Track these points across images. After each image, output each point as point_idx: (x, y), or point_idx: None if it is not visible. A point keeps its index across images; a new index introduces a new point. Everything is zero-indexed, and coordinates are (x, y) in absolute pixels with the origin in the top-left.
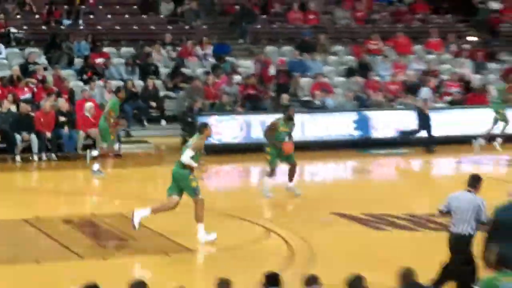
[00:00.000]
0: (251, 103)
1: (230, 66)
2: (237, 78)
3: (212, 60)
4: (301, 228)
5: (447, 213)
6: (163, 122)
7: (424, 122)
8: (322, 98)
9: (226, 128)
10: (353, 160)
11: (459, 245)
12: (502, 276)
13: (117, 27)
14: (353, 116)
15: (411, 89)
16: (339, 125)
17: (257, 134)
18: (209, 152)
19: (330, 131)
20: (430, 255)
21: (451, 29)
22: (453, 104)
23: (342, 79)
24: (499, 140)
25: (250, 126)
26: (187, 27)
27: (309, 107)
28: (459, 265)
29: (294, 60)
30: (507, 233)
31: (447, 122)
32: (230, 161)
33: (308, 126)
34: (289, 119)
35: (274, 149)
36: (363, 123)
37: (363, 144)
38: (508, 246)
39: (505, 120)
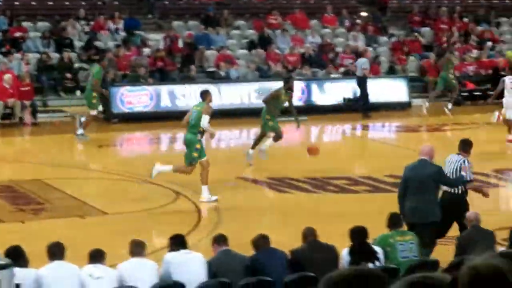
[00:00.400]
0: (160, 75)
1: (140, 39)
2: (146, 51)
3: (123, 34)
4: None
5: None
6: (78, 92)
7: (363, 90)
8: (226, 70)
9: (137, 97)
10: (256, 128)
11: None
12: (397, 235)
13: (33, 3)
14: (255, 86)
15: (308, 60)
16: (243, 94)
17: (166, 103)
18: (122, 120)
19: (234, 100)
20: (328, 215)
21: (345, 5)
22: (347, 74)
23: (244, 51)
24: (450, 106)
25: (160, 96)
26: (99, 2)
27: (214, 77)
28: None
29: (200, 34)
30: (414, 188)
31: (342, 90)
32: (142, 129)
33: (214, 96)
34: (289, 89)
35: (272, 115)
36: (264, 93)
37: None
38: (416, 199)
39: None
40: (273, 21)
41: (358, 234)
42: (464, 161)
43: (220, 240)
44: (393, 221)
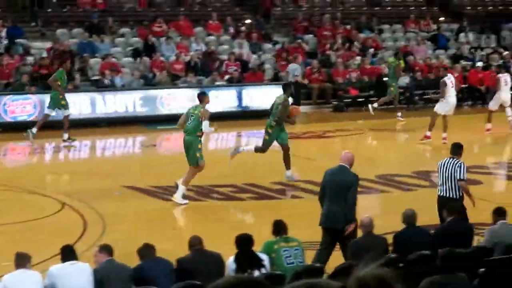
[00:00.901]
0: (44, 83)
1: (23, 47)
2: (30, 59)
3: (5, 42)
4: (94, 202)
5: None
6: None
7: (296, 95)
8: (111, 78)
9: (20, 106)
10: (141, 136)
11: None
12: (282, 241)
13: None
14: (140, 94)
15: (193, 68)
16: (128, 102)
17: None
18: (5, 129)
19: (119, 108)
20: (214, 223)
21: (229, 12)
22: (232, 82)
23: (129, 59)
24: (375, 105)
25: (43, 104)
26: None
27: (99, 86)
28: None
29: (84, 42)
30: (330, 193)
31: (227, 98)
32: (24, 138)
33: (98, 104)
34: (291, 96)
35: (278, 128)
36: (149, 101)
37: (150, 120)
38: (332, 205)
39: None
40: (157, 29)
41: (244, 242)
42: (461, 164)
43: (104, 249)
44: (278, 228)
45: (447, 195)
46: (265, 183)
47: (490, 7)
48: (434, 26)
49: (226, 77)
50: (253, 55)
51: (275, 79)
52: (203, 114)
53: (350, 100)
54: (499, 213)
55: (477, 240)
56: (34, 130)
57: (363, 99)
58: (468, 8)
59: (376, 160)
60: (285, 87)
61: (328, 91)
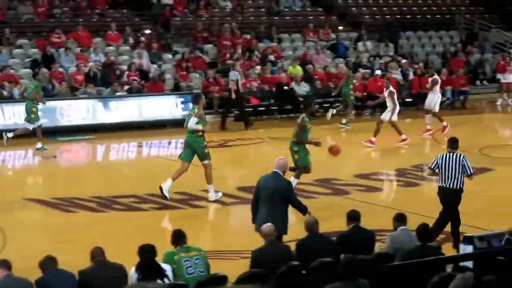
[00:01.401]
0: None
1: None
2: None
3: None
4: None
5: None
6: None
7: (239, 101)
8: (9, 89)
9: None
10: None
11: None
12: (182, 251)
13: None
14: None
15: (93, 79)
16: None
17: None
18: None
19: (18, 120)
20: (116, 233)
21: (128, 22)
22: (133, 92)
23: (28, 70)
24: (334, 111)
25: None
26: None
27: None
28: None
29: None
30: (264, 199)
31: (128, 109)
32: None
33: None
34: (312, 115)
35: (303, 148)
36: (49, 112)
37: (50, 132)
38: (265, 211)
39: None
40: (56, 40)
41: (146, 252)
42: (465, 157)
43: (2, 264)
44: (177, 238)
45: (450, 186)
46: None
47: (388, 16)
48: (333, 35)
49: (126, 87)
50: (153, 65)
51: (176, 89)
52: (196, 113)
53: (251, 109)
54: (400, 219)
55: (378, 247)
56: (39, 145)
57: (264, 108)
58: (367, 17)
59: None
60: (306, 105)
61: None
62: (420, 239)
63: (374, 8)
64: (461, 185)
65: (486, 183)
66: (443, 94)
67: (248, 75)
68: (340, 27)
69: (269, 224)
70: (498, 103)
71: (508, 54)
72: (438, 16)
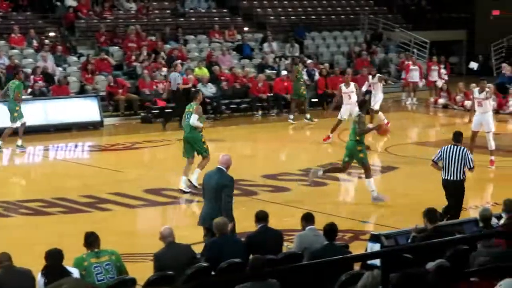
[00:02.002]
0: None
1: None
2: None
3: None
4: None
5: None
6: None
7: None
8: None
9: None
10: None
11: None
12: (91, 257)
13: None
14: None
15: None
16: None
17: None
18: None
19: None
20: (22, 238)
21: (32, 25)
22: (38, 95)
23: None
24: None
25: None
26: None
27: None
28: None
29: None
30: (208, 194)
31: (33, 112)
32: None
33: None
34: (367, 113)
35: (364, 146)
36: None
37: None
38: (209, 206)
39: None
40: None
41: (53, 256)
42: (467, 150)
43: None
44: (89, 241)
45: (452, 178)
46: (74, 196)
47: (293, 17)
48: (239, 36)
49: (29, 90)
50: (58, 68)
51: (81, 92)
52: (195, 110)
53: (157, 111)
54: (308, 219)
55: (286, 247)
56: (19, 142)
57: (171, 110)
58: (272, 18)
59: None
60: (361, 104)
61: (135, 102)
62: (327, 238)
63: (279, 9)
64: (463, 177)
65: (392, 182)
66: None
67: (154, 77)
68: (246, 28)
69: (167, 226)
70: (408, 102)
71: (411, 53)
72: (342, 16)
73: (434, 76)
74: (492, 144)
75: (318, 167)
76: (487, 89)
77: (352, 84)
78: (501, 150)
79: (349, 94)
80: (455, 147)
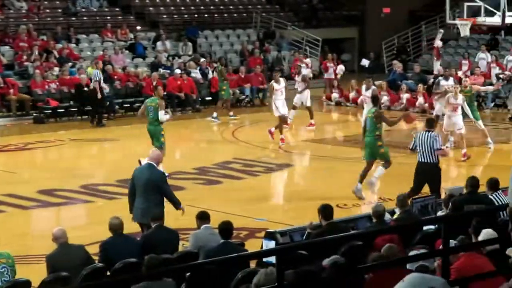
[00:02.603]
0: None
1: None
2: None
3: None
4: None
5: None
6: None
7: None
8: None
9: None
10: None
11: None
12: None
13: None
14: None
15: None
16: None
17: None
18: None
19: None
20: None
21: None
22: None
23: None
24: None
25: None
26: None
27: None
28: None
29: None
30: (139, 190)
31: None
32: None
33: None
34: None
35: (383, 141)
36: None
37: None
38: (141, 201)
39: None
40: None
41: None
42: (436, 135)
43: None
44: None
45: (425, 160)
46: None
47: (186, 16)
48: (131, 35)
49: None
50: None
51: None
52: (160, 105)
53: (50, 111)
54: (202, 217)
55: (182, 245)
56: None
57: (63, 110)
58: (164, 16)
59: (80, 170)
60: (374, 99)
61: (27, 102)
62: (222, 237)
63: (172, 8)
64: (436, 159)
65: (287, 179)
66: (241, 92)
67: (46, 77)
68: (138, 27)
69: (60, 228)
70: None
71: (304, 51)
72: (235, 14)
73: (330, 73)
74: None
75: (212, 165)
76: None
77: (282, 80)
78: (394, 146)
79: (281, 90)
80: (427, 132)
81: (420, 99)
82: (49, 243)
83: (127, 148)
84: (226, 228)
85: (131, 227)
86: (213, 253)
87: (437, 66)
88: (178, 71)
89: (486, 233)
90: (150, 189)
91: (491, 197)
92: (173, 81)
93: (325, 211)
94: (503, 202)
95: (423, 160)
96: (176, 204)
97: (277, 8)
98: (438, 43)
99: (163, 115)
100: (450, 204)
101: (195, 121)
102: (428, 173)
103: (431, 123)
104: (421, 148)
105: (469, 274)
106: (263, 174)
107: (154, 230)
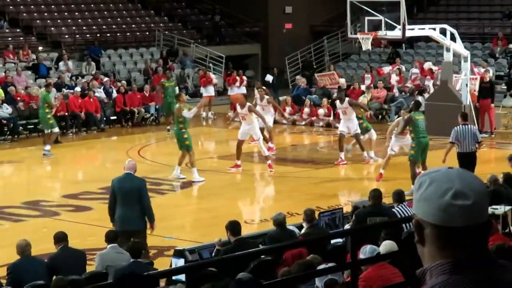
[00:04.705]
0: None
1: None
2: None
3: None
4: None
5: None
6: None
7: None
8: None
9: None
10: None
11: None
12: None
13: None
14: None
15: None
16: None
17: None
18: None
19: None
20: None
21: None
22: None
23: None
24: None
25: None
26: None
27: None
28: None
29: None
30: (120, 199)
31: None
32: None
33: None
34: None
35: (418, 144)
36: None
37: None
38: (123, 209)
39: None
40: None
41: None
42: (476, 128)
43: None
44: None
45: (467, 151)
46: None
47: (88, 35)
48: (34, 56)
49: None
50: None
51: None
52: (177, 110)
53: None
54: (110, 238)
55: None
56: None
57: None
58: (66, 37)
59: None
60: (418, 104)
61: None
62: (132, 256)
63: (74, 28)
64: (474, 149)
65: (194, 196)
66: (146, 110)
67: None
68: (40, 48)
69: None
70: (203, 116)
71: (208, 68)
72: (138, 33)
73: (233, 90)
74: (264, 151)
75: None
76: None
77: (247, 105)
78: (298, 161)
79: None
80: (465, 126)
81: (322, 112)
82: None
83: (32, 170)
84: (134, 247)
85: (40, 249)
86: (123, 272)
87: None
88: (78, 89)
89: (386, 245)
90: (131, 198)
91: (396, 209)
92: (75, 99)
93: (233, 227)
94: (408, 214)
95: (464, 150)
96: (150, 218)
97: (180, 26)
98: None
99: (187, 113)
100: (353, 216)
101: (100, 140)
102: (470, 161)
103: (465, 117)
104: (462, 140)
105: (377, 284)
106: (170, 192)
107: (60, 252)
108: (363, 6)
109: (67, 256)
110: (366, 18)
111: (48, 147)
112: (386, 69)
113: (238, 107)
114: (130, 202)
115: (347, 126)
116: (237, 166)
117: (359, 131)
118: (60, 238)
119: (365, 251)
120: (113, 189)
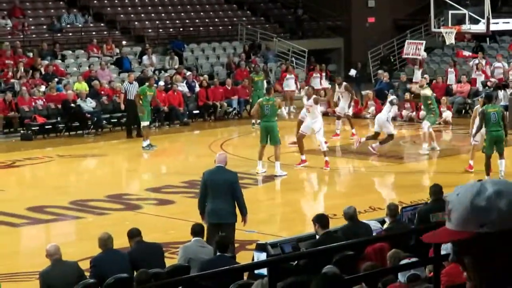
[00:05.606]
0: None
1: None
2: None
3: None
4: None
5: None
6: None
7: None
8: None
9: None
10: None
11: None
12: None
13: None
14: None
15: None
16: None
17: None
18: None
19: None
20: None
21: None
22: None
23: None
24: None
25: None
26: None
27: None
28: None
29: None
30: (212, 192)
31: None
32: None
33: None
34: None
35: (489, 137)
36: None
37: None
38: (215, 202)
39: None
40: None
41: None
42: (502, 107)
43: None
44: None
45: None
46: None
47: (171, 29)
48: (117, 50)
49: None
50: None
51: None
52: (278, 103)
53: (37, 128)
54: (196, 231)
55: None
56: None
57: (51, 126)
58: (150, 31)
59: (69, 187)
60: (490, 97)
61: (15, 120)
62: (218, 250)
63: (157, 22)
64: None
65: (276, 191)
66: (229, 104)
67: (33, 94)
68: (124, 42)
69: (54, 244)
70: (285, 110)
71: (291, 62)
72: (220, 27)
73: (316, 84)
74: (323, 146)
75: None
76: (314, 96)
77: (313, 97)
78: (380, 155)
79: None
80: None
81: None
82: (39, 261)
83: (115, 163)
84: (221, 242)
85: (121, 242)
86: (206, 266)
87: (417, 75)
88: (162, 83)
89: None
90: (224, 191)
91: None
92: (159, 94)
93: (322, 220)
94: None
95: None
96: (242, 209)
97: (262, 20)
98: (423, 54)
99: (283, 112)
100: (416, 214)
101: (183, 134)
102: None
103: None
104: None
105: (459, 280)
106: (252, 186)
107: (136, 246)
108: (447, 0)
109: (144, 249)
110: (450, 12)
111: (147, 141)
112: (466, 53)
113: (304, 99)
114: (222, 195)
115: (342, 107)
116: (303, 161)
117: (350, 112)
118: (134, 233)
119: (447, 247)
120: (204, 182)
